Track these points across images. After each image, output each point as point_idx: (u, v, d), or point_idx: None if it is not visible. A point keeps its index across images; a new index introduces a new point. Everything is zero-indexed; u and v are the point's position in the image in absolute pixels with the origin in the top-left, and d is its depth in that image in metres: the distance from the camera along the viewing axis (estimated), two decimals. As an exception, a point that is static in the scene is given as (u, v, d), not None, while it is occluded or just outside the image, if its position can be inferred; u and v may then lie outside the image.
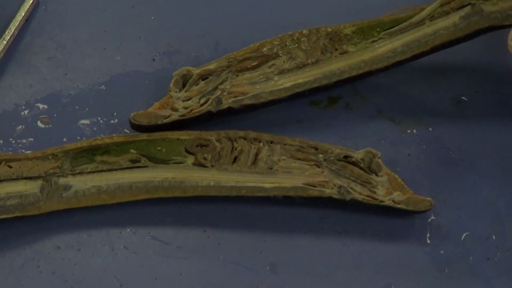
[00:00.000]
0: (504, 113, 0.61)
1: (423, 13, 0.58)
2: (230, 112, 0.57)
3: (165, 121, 0.57)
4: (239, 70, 0.58)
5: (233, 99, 0.57)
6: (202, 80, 0.58)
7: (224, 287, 0.54)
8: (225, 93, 0.57)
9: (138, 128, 0.57)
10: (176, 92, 0.58)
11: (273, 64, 0.58)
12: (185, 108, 0.57)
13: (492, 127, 0.60)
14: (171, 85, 0.58)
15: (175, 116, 0.57)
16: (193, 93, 0.58)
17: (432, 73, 0.62)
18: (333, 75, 0.58)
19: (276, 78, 0.58)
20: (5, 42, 0.61)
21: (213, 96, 0.57)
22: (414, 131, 0.60)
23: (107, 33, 0.63)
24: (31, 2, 0.62)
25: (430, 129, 0.60)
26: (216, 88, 0.58)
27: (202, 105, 0.57)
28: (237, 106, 0.57)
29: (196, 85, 0.58)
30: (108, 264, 0.55)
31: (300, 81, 0.58)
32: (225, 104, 0.57)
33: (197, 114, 0.57)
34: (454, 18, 0.57)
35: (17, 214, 0.54)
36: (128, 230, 0.56)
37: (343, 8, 0.64)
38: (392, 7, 0.60)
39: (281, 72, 0.58)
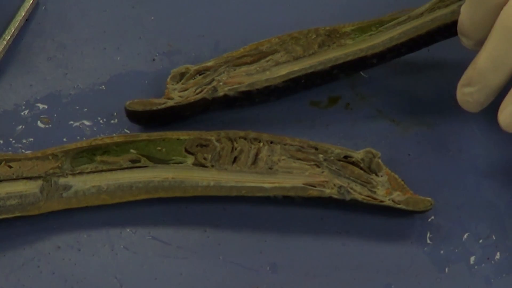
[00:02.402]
0: (504, 113, 0.61)
1: (423, 8, 0.58)
2: (226, 102, 0.57)
3: (160, 107, 0.56)
4: (236, 64, 0.58)
5: (229, 87, 0.57)
6: (199, 75, 0.58)
7: (224, 287, 0.54)
8: (221, 83, 0.57)
9: (133, 115, 0.57)
10: (172, 84, 0.58)
11: (271, 59, 0.58)
12: (181, 97, 0.57)
13: (492, 127, 0.60)
14: (168, 79, 0.58)
15: (170, 103, 0.57)
16: (190, 85, 0.58)
17: (432, 73, 0.62)
18: (329, 61, 0.58)
19: (272, 69, 0.58)
20: (5, 42, 0.61)
21: (209, 86, 0.57)
22: (414, 131, 0.60)
23: (107, 33, 0.63)
24: (31, 2, 0.62)
25: (431, 129, 0.60)
26: (212, 80, 0.58)
27: (197, 94, 0.57)
28: (232, 94, 0.57)
29: (193, 79, 0.58)
30: (108, 264, 0.55)
31: (295, 68, 0.58)
32: (221, 92, 0.57)
33: (192, 101, 0.57)
34: (453, 6, 0.57)
35: (17, 214, 0.54)
36: (128, 230, 0.56)
37: (343, 9, 0.64)
38: (392, 9, 0.60)
39: (278, 64, 0.58)
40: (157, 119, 0.57)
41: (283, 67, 0.58)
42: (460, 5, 0.56)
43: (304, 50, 0.58)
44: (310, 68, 0.58)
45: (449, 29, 0.57)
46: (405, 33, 0.58)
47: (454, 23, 0.56)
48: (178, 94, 0.57)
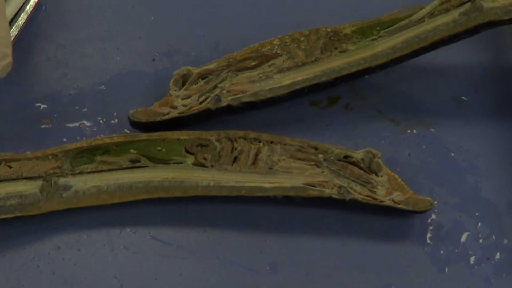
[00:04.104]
0: (504, 113, 0.61)
1: (423, 11, 0.58)
2: (229, 110, 0.57)
3: (163, 118, 0.57)
4: (238, 69, 0.58)
5: (232, 97, 0.57)
6: (202, 79, 0.58)
7: (224, 287, 0.54)
8: (224, 91, 0.57)
9: (137, 125, 0.57)
10: (175, 90, 0.58)
11: (273, 64, 0.58)
12: (184, 106, 0.57)
13: (492, 127, 0.60)
14: (170, 84, 0.58)
15: (173, 114, 0.57)
16: (193, 92, 0.58)
17: (432, 73, 0.62)
18: (332, 72, 0.58)
19: (275, 76, 0.58)
20: (5, 42, 0.61)
21: (212, 94, 0.57)
22: (414, 131, 0.60)
23: (107, 33, 0.63)
24: (31, 2, 0.62)
25: (431, 129, 0.60)
26: (215, 86, 0.58)
27: (201, 103, 0.57)
28: (236, 104, 0.57)
29: (195, 84, 0.58)
30: (108, 264, 0.55)
31: (299, 78, 0.58)
32: (224, 102, 0.57)
33: (195, 111, 0.57)
34: (454, 14, 0.57)
35: (17, 214, 0.54)
36: (128, 230, 0.56)
37: (343, 9, 0.64)
38: (392, 8, 0.60)
39: (281, 71, 0.58)
40: (160, 128, 0.57)
41: (286, 75, 0.58)
42: (461, 13, 0.57)
43: (307, 56, 0.58)
44: (314, 79, 0.58)
45: (451, 40, 0.58)
46: (408, 43, 0.58)
47: (457, 35, 0.57)
48: (181, 103, 0.57)
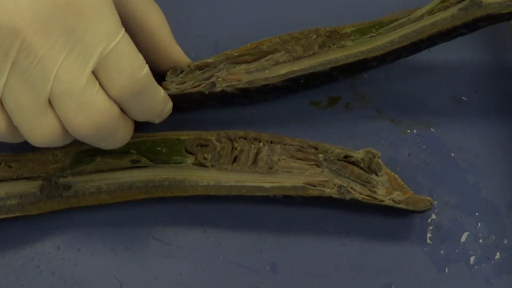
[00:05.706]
0: (504, 113, 0.61)
1: (422, 9, 0.58)
2: (223, 97, 0.57)
3: None
4: (236, 62, 0.58)
5: (227, 83, 0.57)
6: (199, 70, 0.58)
7: (224, 287, 0.54)
8: (220, 79, 0.57)
9: None
10: (171, 78, 0.57)
11: (271, 58, 0.58)
12: (177, 89, 0.57)
13: (492, 127, 0.60)
14: (168, 73, 0.57)
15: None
16: (188, 79, 0.57)
17: (432, 73, 0.62)
18: (329, 62, 0.58)
19: (272, 68, 0.58)
20: (5, 42, 0.61)
21: (208, 81, 0.57)
22: (414, 131, 0.60)
23: (107, 33, 0.63)
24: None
25: (431, 129, 0.60)
26: (211, 76, 0.58)
27: (195, 87, 0.57)
28: (230, 90, 0.57)
29: (192, 74, 0.58)
30: (108, 264, 0.55)
31: (295, 68, 0.58)
32: (219, 88, 0.57)
33: (188, 92, 0.56)
34: (453, 10, 0.57)
35: (17, 214, 0.54)
36: (128, 230, 0.56)
37: (344, 10, 0.64)
38: (393, 9, 0.60)
39: (278, 63, 0.58)
40: None
41: (283, 66, 0.58)
42: (460, 8, 0.57)
43: (305, 51, 0.58)
44: (309, 69, 0.58)
45: (449, 34, 0.57)
46: (406, 37, 0.57)
47: (455, 28, 0.57)
48: (175, 87, 0.57)
